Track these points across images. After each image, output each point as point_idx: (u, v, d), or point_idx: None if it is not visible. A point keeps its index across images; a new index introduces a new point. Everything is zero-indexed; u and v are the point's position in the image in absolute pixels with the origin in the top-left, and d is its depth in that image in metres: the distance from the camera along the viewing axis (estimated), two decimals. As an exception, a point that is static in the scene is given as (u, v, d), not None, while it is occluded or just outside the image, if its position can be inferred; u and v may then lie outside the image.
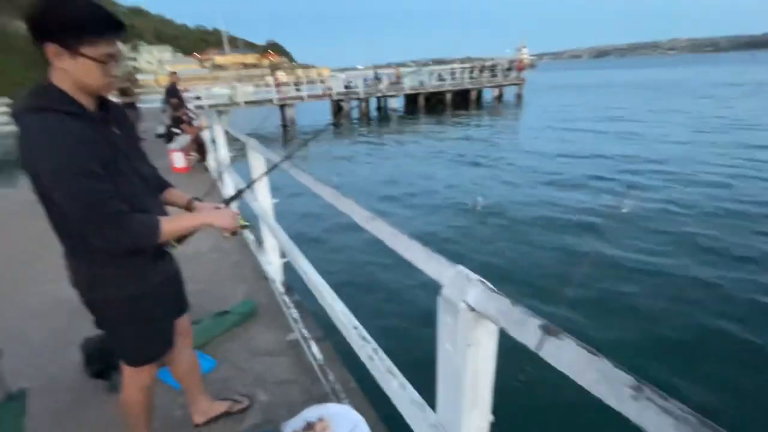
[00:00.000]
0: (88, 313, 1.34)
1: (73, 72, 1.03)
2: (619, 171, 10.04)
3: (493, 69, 31.52)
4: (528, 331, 0.68)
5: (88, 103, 1.11)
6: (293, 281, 3.00)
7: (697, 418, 0.49)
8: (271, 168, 1.92)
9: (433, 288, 0.90)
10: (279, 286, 2.87)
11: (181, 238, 1.34)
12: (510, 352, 0.97)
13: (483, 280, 0.81)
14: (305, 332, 2.33)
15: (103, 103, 1.18)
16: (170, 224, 1.20)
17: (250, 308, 2.68)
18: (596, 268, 5.14)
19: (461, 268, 0.86)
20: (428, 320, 0.96)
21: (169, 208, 1.46)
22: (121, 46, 1.13)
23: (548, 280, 5.02)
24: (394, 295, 5.05)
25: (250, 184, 1.67)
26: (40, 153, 1.00)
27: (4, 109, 18.27)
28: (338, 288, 1.70)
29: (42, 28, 0.98)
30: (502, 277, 5.10)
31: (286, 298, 2.71)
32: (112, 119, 1.20)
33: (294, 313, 2.54)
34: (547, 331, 0.66)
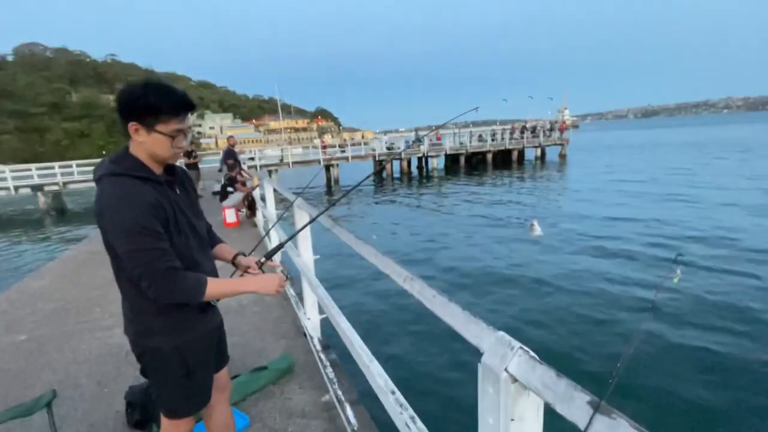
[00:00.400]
0: (136, 361, 1.42)
1: (148, 145, 1.24)
2: (671, 237, 9.38)
3: (534, 130, 31.87)
4: (575, 406, 0.64)
5: (157, 169, 1.30)
6: (331, 338, 2.99)
7: None
8: (311, 221, 2.00)
9: (475, 354, 0.87)
10: (317, 343, 2.85)
11: None
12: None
13: (525, 348, 0.78)
14: (340, 394, 2.26)
15: (169, 167, 1.38)
16: (215, 287, 1.31)
17: (288, 365, 2.66)
18: (644, 346, 4.69)
19: (502, 333, 0.83)
20: (471, 389, 0.92)
21: (219, 263, 1.56)
22: (191, 119, 1.32)
23: (591, 356, 4.64)
24: (435, 358, 4.85)
25: (290, 238, 1.75)
26: (112, 211, 1.17)
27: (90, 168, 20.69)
28: (376, 348, 1.68)
29: (128, 110, 1.20)
30: (542, 350, 4.73)
31: (323, 356, 2.67)
32: (176, 182, 1.39)
33: (330, 372, 2.49)
34: (597, 408, 0.61)
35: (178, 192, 1.38)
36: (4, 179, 20.22)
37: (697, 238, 9.23)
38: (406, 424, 1.23)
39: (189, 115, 1.28)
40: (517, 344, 0.79)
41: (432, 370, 4.63)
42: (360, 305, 6.56)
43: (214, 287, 1.30)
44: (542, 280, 7.13)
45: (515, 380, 0.76)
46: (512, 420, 0.78)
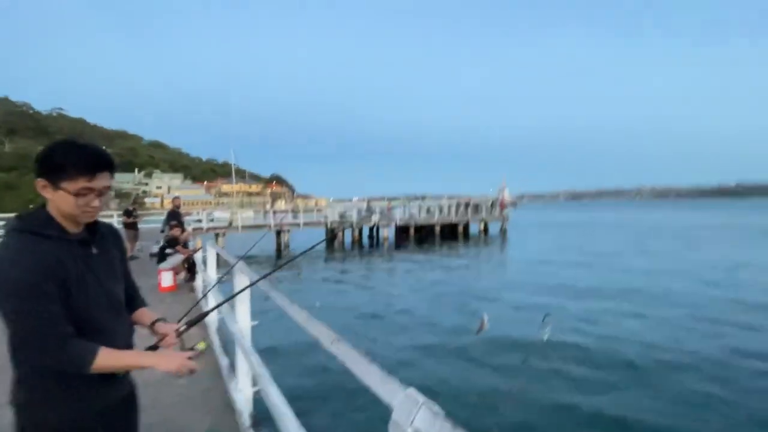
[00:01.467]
0: None
1: (56, 202, 1.20)
2: (595, 307, 10.29)
3: (477, 206, 34.07)
4: (465, 455, 0.71)
5: (72, 227, 1.25)
6: (263, 413, 2.80)
7: None
8: (250, 285, 2.02)
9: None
10: (246, 419, 2.67)
11: None
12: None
13: (430, 403, 0.85)
14: (266, 476, 2.10)
15: (92, 225, 1.33)
16: (107, 358, 1.20)
17: (210, 444, 2.44)
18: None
19: (412, 390, 0.90)
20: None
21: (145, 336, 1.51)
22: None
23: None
24: (366, 422, 4.82)
25: (218, 305, 1.73)
26: (3, 271, 1.11)
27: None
28: (310, 418, 1.64)
29: (37, 168, 1.20)
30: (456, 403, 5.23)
31: (252, 434, 2.50)
32: (94, 240, 1.32)
33: (257, 452, 2.32)
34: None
35: (95, 251, 1.32)
36: None
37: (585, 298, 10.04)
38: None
39: (105, 174, 1.23)
40: (421, 399, 0.86)
41: None
42: (298, 372, 6.39)
43: (105, 358, 1.19)
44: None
45: (419, 435, 0.82)
46: (418, 477, 0.83)
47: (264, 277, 1.95)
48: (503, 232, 32.36)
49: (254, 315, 3.09)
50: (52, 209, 1.23)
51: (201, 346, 1.35)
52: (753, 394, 5.72)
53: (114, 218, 22.85)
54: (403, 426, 0.84)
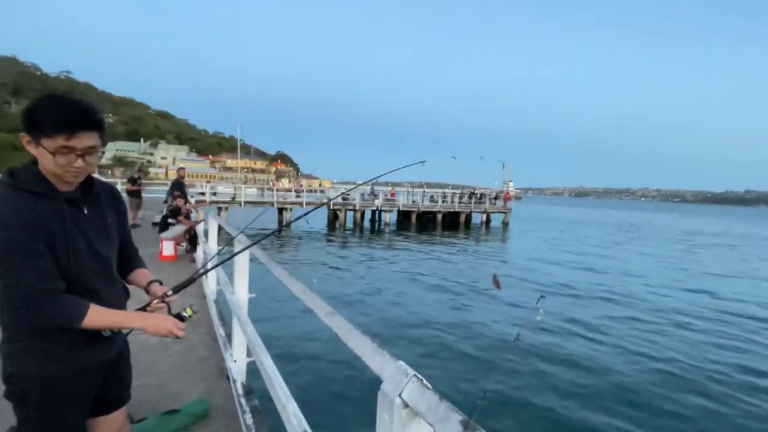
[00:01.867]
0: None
1: (39, 159, 1.18)
2: (586, 298, 10.67)
3: (481, 197, 33.95)
4: (450, 426, 0.72)
5: (62, 185, 1.22)
6: (255, 384, 2.86)
7: None
8: (244, 248, 2.02)
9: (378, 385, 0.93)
10: (239, 387, 2.72)
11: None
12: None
13: (419, 376, 0.86)
14: (256, 442, 2.15)
15: (87, 184, 1.30)
16: (97, 316, 1.20)
17: (203, 410, 2.50)
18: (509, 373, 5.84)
19: (401, 363, 0.91)
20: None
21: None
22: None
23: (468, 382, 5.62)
24: (353, 392, 5.05)
25: (205, 272, 1.72)
26: None
27: None
28: (299, 382, 1.66)
29: (22, 122, 1.16)
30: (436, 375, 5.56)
31: (244, 402, 2.55)
32: (87, 200, 1.30)
33: (249, 419, 2.37)
34: (466, 426, 0.70)
35: (86, 211, 1.29)
36: None
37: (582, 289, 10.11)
38: (313, 463, 1.23)
39: (89, 133, 1.17)
40: (411, 372, 0.87)
41: (348, 403, 4.86)
42: (290, 344, 6.50)
43: (95, 316, 1.19)
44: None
45: (407, 406, 0.83)
46: (402, 446, 0.84)
47: (261, 240, 1.96)
48: (505, 224, 32.31)
49: (252, 290, 3.12)
50: (40, 165, 1.20)
51: (188, 312, 1.38)
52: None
53: (119, 185, 22.98)
54: (391, 396, 0.85)
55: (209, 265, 4.03)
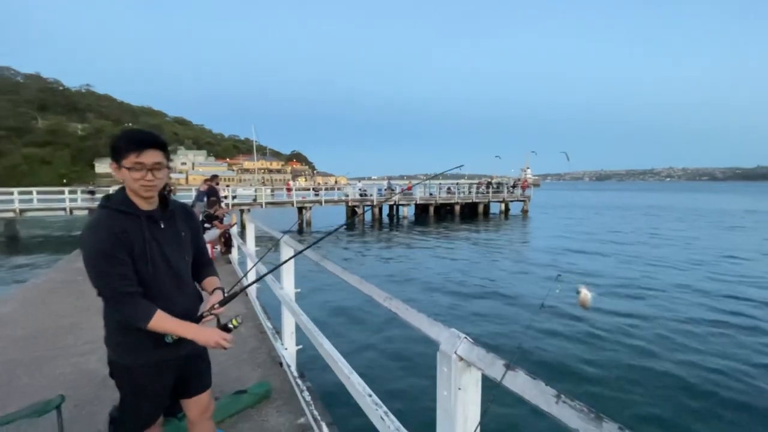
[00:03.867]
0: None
1: (123, 180, 1.46)
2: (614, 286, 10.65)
3: (499, 186, 33.80)
4: (495, 368, 1.01)
5: (143, 204, 1.51)
6: (306, 368, 3.21)
7: (594, 413, 0.81)
8: (297, 253, 2.34)
9: (433, 349, 1.23)
10: (293, 371, 3.07)
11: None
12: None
13: (468, 337, 1.16)
14: (317, 414, 2.49)
15: (163, 202, 1.59)
16: (160, 321, 1.44)
17: (265, 390, 2.86)
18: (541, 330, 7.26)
19: (453, 330, 1.21)
20: (429, 378, 1.27)
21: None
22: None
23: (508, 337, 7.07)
24: (402, 361, 5.85)
25: (248, 284, 1.94)
26: (83, 238, 1.40)
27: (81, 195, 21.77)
28: (352, 362, 1.98)
29: (110, 151, 1.45)
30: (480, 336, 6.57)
31: (300, 382, 2.89)
32: (164, 217, 1.57)
33: (306, 396, 2.71)
34: (508, 367, 0.99)
35: (162, 226, 1.55)
36: (-47, 203, 19.20)
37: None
38: (381, 417, 1.54)
39: (153, 151, 1.43)
40: (462, 335, 1.16)
41: (398, 371, 5.63)
42: (334, 332, 7.12)
43: (158, 321, 1.44)
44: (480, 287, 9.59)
45: (461, 359, 1.13)
46: (459, 389, 1.14)
47: (312, 245, 2.28)
48: (525, 212, 32.14)
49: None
50: (126, 188, 1.49)
51: (234, 323, 1.59)
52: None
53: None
54: (449, 353, 1.15)
55: (249, 266, 4.39)
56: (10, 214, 19.84)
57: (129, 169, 1.41)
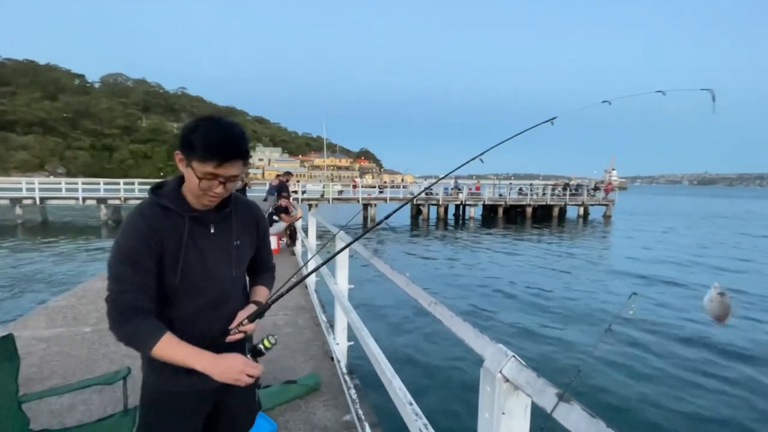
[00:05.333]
0: None
1: (186, 177, 1.19)
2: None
3: (578, 188, 31.50)
4: (546, 397, 0.86)
5: (196, 203, 1.22)
6: (355, 365, 3.20)
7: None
8: (347, 245, 2.30)
9: (477, 364, 1.10)
10: (342, 367, 3.06)
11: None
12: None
13: (517, 356, 1.01)
14: (361, 414, 2.44)
15: (224, 201, 1.27)
16: (166, 349, 1.14)
17: (315, 383, 2.88)
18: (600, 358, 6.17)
19: (501, 346, 1.06)
20: (473, 395, 1.14)
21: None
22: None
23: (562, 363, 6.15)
24: (447, 372, 5.63)
25: (274, 299, 1.43)
26: (120, 230, 1.17)
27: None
28: (398, 364, 1.89)
29: (180, 140, 1.17)
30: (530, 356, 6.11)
31: (348, 379, 2.87)
32: (216, 219, 1.27)
33: (353, 393, 2.68)
34: (561, 398, 0.84)
35: (212, 230, 1.26)
36: (75, 190, 22.53)
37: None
38: (420, 430, 1.44)
39: (236, 162, 1.16)
40: (510, 353, 1.02)
41: (443, 381, 5.41)
42: (384, 330, 7.07)
43: (164, 348, 1.13)
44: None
45: (507, 380, 0.98)
46: (503, 414, 1.00)
47: (361, 236, 2.21)
48: (607, 217, 29.55)
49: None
50: (185, 183, 1.22)
51: (266, 344, 1.27)
52: None
53: (226, 186, 26.00)
54: (493, 372, 1.01)
55: (308, 256, 4.49)
56: (117, 201, 22.88)
57: (199, 177, 1.15)
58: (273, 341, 1.28)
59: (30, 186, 22.38)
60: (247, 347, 1.31)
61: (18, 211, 21.45)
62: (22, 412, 1.56)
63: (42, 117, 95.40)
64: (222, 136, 1.14)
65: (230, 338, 1.27)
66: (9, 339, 1.63)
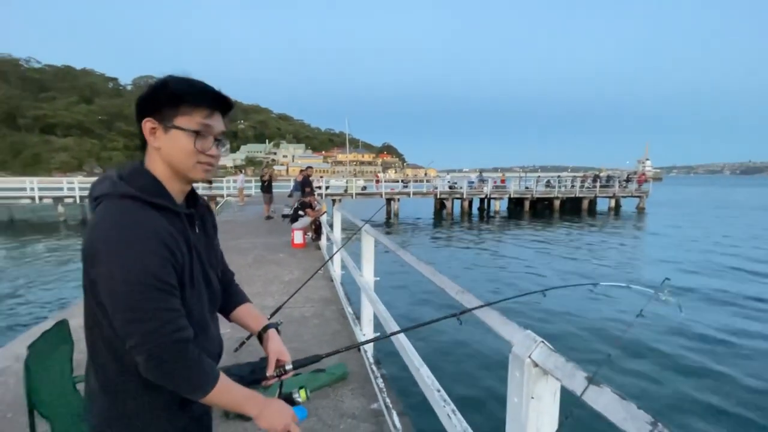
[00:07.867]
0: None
1: (166, 151, 0.92)
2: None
3: (608, 180, 30.45)
4: (576, 381, 0.87)
5: (178, 195, 0.98)
6: (381, 356, 3.25)
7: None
8: (362, 226, 2.34)
9: (505, 351, 1.11)
10: (369, 357, 3.12)
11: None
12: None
13: (545, 341, 1.02)
14: (389, 402, 2.49)
15: (191, 196, 1.05)
16: (222, 393, 0.92)
17: (343, 372, 2.95)
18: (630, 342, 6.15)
19: (529, 332, 1.07)
20: (500, 381, 1.15)
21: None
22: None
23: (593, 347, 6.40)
24: (474, 359, 5.80)
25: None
26: (111, 251, 0.82)
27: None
28: (423, 353, 1.93)
29: (143, 105, 0.93)
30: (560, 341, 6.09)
31: (375, 369, 2.93)
32: (196, 216, 1.04)
33: (380, 383, 2.73)
34: (590, 381, 0.84)
35: (197, 231, 1.03)
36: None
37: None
38: (448, 415, 1.46)
39: (221, 117, 0.97)
40: (539, 339, 1.03)
41: (471, 369, 5.57)
42: (410, 321, 7.08)
43: (220, 392, 0.91)
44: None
45: (536, 365, 1.00)
46: (532, 398, 1.01)
47: (367, 222, 2.26)
48: (640, 210, 28.39)
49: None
50: (156, 166, 0.94)
51: (303, 396, 1.07)
52: None
53: (252, 183, 26.64)
54: (521, 357, 1.02)
55: (337, 252, 4.58)
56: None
57: (190, 131, 0.91)
58: (309, 395, 1.09)
59: (70, 185, 23.59)
60: (279, 395, 1.07)
61: (60, 209, 22.68)
62: (77, 392, 1.69)
63: (79, 120, 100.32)
64: (203, 84, 0.95)
65: (266, 383, 1.13)
66: (64, 323, 1.77)
